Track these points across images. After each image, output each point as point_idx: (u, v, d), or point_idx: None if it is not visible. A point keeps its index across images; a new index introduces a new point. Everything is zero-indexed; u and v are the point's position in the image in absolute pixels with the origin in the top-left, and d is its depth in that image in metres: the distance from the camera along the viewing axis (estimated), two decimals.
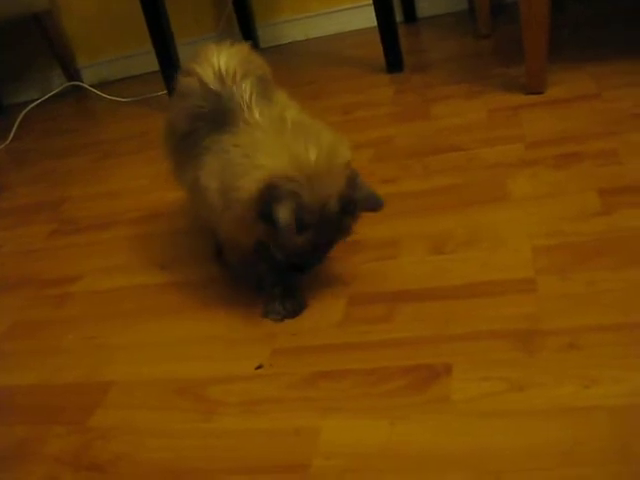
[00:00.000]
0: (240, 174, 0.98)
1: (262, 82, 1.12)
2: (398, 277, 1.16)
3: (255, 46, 2.87)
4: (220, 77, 1.10)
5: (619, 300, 0.98)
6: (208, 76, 1.10)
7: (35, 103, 2.84)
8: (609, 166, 1.33)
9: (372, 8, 2.22)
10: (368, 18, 2.83)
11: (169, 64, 2.38)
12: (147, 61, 3.06)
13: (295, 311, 1.12)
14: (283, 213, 0.94)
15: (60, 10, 3.18)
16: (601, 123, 1.52)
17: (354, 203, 1.01)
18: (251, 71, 1.12)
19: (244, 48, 1.17)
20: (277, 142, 1.00)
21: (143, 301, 1.28)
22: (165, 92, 2.46)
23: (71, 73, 3.21)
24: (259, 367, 1.02)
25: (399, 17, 2.92)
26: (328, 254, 1.07)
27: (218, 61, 1.12)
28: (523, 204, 1.27)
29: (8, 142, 2.60)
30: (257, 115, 1.06)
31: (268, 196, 0.95)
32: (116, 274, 1.39)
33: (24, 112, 2.77)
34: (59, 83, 3.24)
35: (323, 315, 1.10)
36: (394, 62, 2.26)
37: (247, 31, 3.05)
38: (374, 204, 1.03)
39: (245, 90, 1.08)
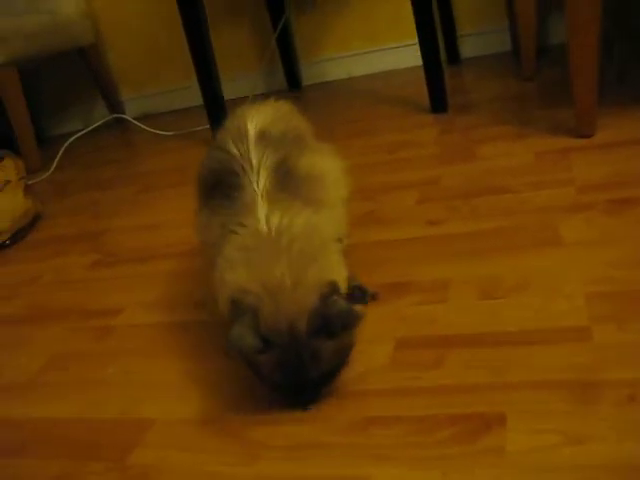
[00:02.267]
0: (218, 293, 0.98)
1: (294, 149, 1.10)
2: (447, 321, 1.13)
3: (297, 84, 2.91)
4: (240, 142, 1.09)
5: None
6: (233, 142, 1.10)
7: (78, 134, 2.87)
8: None
9: (415, 47, 2.23)
10: (412, 57, 2.84)
11: (213, 99, 2.39)
12: (189, 95, 3.10)
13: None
14: (236, 328, 0.89)
15: (105, 44, 3.22)
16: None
17: (328, 323, 0.91)
18: (279, 138, 1.11)
19: (284, 106, 1.18)
20: (253, 256, 0.96)
21: (184, 338, 1.26)
22: (207, 126, 2.46)
23: (114, 106, 3.25)
24: (306, 410, 0.98)
25: (443, 57, 2.92)
26: (322, 388, 0.99)
27: (251, 124, 1.11)
28: (575, 249, 1.24)
29: (50, 173, 2.62)
30: (261, 216, 1.01)
31: (233, 313, 0.91)
32: (157, 309, 1.38)
33: (67, 143, 2.79)
34: (102, 115, 3.28)
35: (370, 359, 1.07)
36: (439, 102, 2.25)
37: (290, 68, 3.07)
38: (350, 319, 0.92)
39: (260, 179, 1.05)
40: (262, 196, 1.03)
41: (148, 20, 3.16)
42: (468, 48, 2.96)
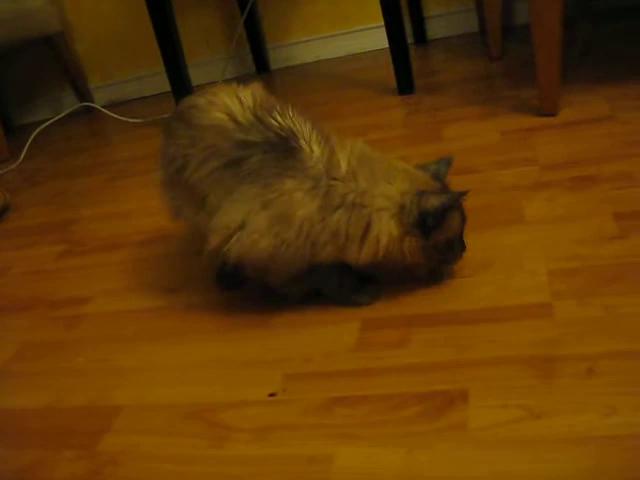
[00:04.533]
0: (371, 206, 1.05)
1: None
2: (412, 300, 1.15)
3: (266, 68, 2.91)
4: (259, 110, 1.10)
5: (636, 326, 0.96)
6: (246, 108, 1.10)
7: (47, 123, 2.85)
8: (625, 189, 1.32)
9: (382, 30, 2.23)
10: (378, 40, 2.84)
11: (180, 85, 2.39)
12: (158, 82, 3.08)
13: (375, 294, 1.16)
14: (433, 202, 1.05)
15: (72, 32, 3.20)
16: (615, 146, 1.51)
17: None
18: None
19: (259, 86, 1.19)
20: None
21: (153, 324, 1.27)
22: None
23: (83, 94, 3.23)
24: (272, 395, 1.00)
25: (409, 39, 2.93)
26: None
27: (244, 97, 1.13)
28: (539, 227, 1.26)
29: (19, 162, 2.60)
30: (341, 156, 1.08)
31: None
32: (126, 296, 1.38)
33: (35, 132, 2.77)
34: (70, 104, 3.26)
35: (336, 340, 1.09)
36: (405, 84, 2.26)
37: (258, 52, 3.07)
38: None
39: (306, 127, 1.09)
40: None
41: (116, 7, 3.14)
42: (435, 29, 2.97)
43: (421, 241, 1.07)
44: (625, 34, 2.31)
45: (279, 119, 1.08)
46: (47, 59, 3.19)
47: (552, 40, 1.73)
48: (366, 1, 2.93)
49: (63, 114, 2.96)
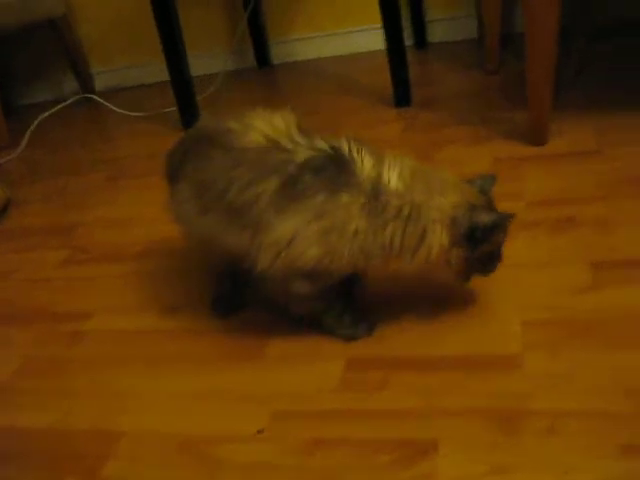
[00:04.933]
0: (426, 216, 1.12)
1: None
2: (394, 341, 1.23)
3: (267, 62, 2.95)
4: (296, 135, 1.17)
5: (601, 384, 1.05)
6: (283, 130, 1.18)
7: (47, 113, 2.89)
8: (603, 235, 1.39)
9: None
10: (380, 41, 2.88)
11: (179, 75, 2.43)
12: (158, 71, 3.11)
13: (371, 328, 1.24)
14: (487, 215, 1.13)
15: (76, 15, 3.23)
16: (598, 185, 1.59)
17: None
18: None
19: (289, 112, 1.23)
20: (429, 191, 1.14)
21: (152, 347, 1.34)
22: (175, 108, 2.51)
23: (84, 79, 3.27)
24: (260, 431, 1.08)
25: (409, 41, 2.97)
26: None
27: (277, 121, 1.19)
28: (518, 272, 1.32)
29: (21, 151, 2.65)
30: (391, 171, 1.14)
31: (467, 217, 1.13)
32: (128, 314, 1.46)
33: (37, 121, 2.82)
34: (71, 87, 3.30)
35: (322, 378, 1.17)
36: (402, 97, 2.32)
37: (260, 47, 3.12)
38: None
39: (353, 144, 1.16)
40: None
41: None
42: (436, 33, 3.02)
43: (466, 252, 1.14)
44: (621, 53, 2.37)
45: (325, 139, 1.16)
46: (50, 42, 3.23)
47: (545, 76, 1.78)
48: (369, 1, 2.97)
49: (64, 104, 2.99)
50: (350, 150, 1.14)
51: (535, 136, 1.87)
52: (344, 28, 3.09)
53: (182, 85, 2.45)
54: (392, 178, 1.12)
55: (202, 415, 1.15)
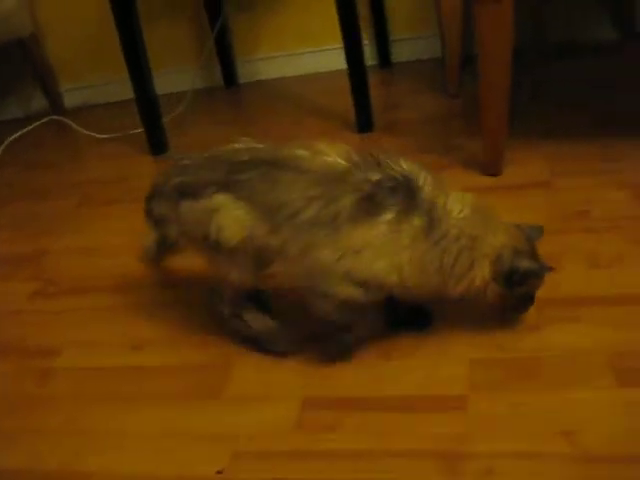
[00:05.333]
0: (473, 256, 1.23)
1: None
2: (348, 381, 1.30)
3: (234, 81, 2.99)
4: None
5: (538, 425, 1.12)
6: (350, 155, 1.26)
7: (18, 134, 2.91)
8: (553, 273, 1.45)
9: None
10: (344, 60, 2.92)
11: (144, 94, 2.49)
12: (126, 89, 3.13)
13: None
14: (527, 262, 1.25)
15: (44, 34, 3.26)
16: (548, 218, 1.65)
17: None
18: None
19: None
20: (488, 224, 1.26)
21: (118, 386, 1.40)
22: (141, 130, 2.55)
23: (53, 96, 3.30)
24: (220, 472, 1.15)
25: (374, 60, 3.04)
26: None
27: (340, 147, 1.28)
28: (467, 310, 1.38)
29: None
30: (452, 204, 1.24)
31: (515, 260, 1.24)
32: (95, 350, 1.52)
33: (7, 142, 2.84)
34: (40, 105, 3.33)
35: (279, 418, 1.24)
36: (364, 122, 2.38)
37: (227, 66, 3.16)
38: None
39: (421, 171, 1.25)
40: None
41: (87, 10, 3.20)
42: (400, 52, 3.07)
43: (502, 290, 1.25)
44: (575, 76, 2.46)
45: (395, 163, 1.24)
46: (18, 61, 3.25)
47: (499, 105, 1.85)
48: (333, 19, 3.02)
49: (34, 125, 3.01)
50: (419, 176, 1.23)
51: (490, 166, 1.94)
52: (308, 47, 3.14)
53: (147, 105, 2.50)
54: (454, 209, 1.23)
55: (166, 455, 1.21)
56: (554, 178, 1.87)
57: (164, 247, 1.49)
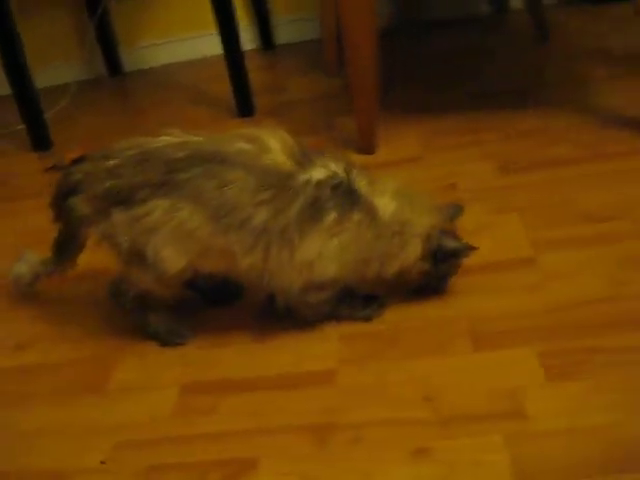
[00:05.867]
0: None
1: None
2: (225, 364, 1.35)
3: (119, 71, 2.98)
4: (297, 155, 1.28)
5: (401, 392, 1.20)
6: (294, 150, 1.28)
7: None
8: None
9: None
10: None
11: (22, 89, 2.45)
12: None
13: (382, 304, 1.41)
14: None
15: None
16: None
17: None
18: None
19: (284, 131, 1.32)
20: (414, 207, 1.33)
21: (3, 386, 1.42)
22: (23, 126, 2.51)
23: None
24: (103, 462, 1.18)
25: (256, 44, 3.07)
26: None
27: (286, 139, 1.30)
28: None
29: None
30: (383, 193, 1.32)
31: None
32: None
33: None
34: None
35: (157, 406, 1.28)
36: (244, 106, 2.43)
37: (110, 55, 3.14)
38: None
39: (352, 167, 1.31)
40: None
41: None
42: (283, 34, 3.12)
43: (427, 267, 1.33)
44: (448, 51, 2.55)
45: (331, 161, 1.29)
46: None
47: (368, 83, 1.92)
48: None
49: None
50: (349, 171, 1.28)
51: (364, 145, 2.01)
52: (192, 33, 3.16)
53: (27, 100, 2.46)
54: (384, 198, 1.30)
55: (50, 450, 1.24)
56: (425, 153, 1.96)
57: (48, 267, 1.50)
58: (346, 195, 1.27)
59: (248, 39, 3.04)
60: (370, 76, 1.88)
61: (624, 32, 2.45)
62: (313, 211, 1.25)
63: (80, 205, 1.33)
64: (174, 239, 1.26)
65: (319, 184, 1.26)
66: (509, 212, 1.63)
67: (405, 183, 1.37)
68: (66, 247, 1.45)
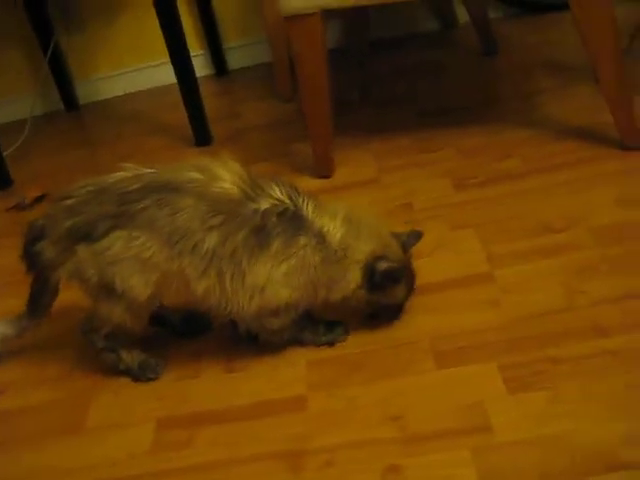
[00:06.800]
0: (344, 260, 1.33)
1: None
2: (200, 397, 1.38)
3: (74, 104, 2.98)
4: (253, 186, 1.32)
5: (369, 414, 1.24)
6: (244, 179, 1.32)
7: None
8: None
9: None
10: None
11: None
12: None
13: (346, 330, 1.43)
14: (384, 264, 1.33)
15: None
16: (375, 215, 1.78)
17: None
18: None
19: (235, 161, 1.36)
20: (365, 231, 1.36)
21: None
22: None
23: None
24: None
25: (210, 70, 3.10)
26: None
27: (234, 169, 1.34)
28: None
29: None
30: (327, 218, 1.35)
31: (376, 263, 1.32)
32: None
33: None
34: None
35: (135, 443, 1.31)
36: (201, 136, 2.45)
37: (65, 89, 3.14)
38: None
39: (299, 194, 1.35)
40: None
41: None
42: (235, 60, 3.15)
43: (367, 295, 1.35)
44: (401, 69, 2.63)
45: (278, 188, 1.33)
46: None
47: (321, 109, 1.96)
48: None
49: None
50: (296, 198, 1.33)
51: (320, 168, 2.05)
52: (145, 62, 3.17)
53: None
54: (335, 222, 1.33)
55: None
56: (381, 175, 2.00)
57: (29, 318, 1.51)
58: (292, 221, 1.31)
59: (201, 66, 3.06)
60: (324, 104, 1.93)
61: (566, 41, 2.52)
62: (261, 238, 1.30)
63: (46, 249, 1.37)
64: (137, 267, 1.31)
65: (265, 212, 1.30)
66: (465, 228, 1.68)
67: (357, 207, 1.40)
68: (40, 297, 1.47)
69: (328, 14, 1.84)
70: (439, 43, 2.84)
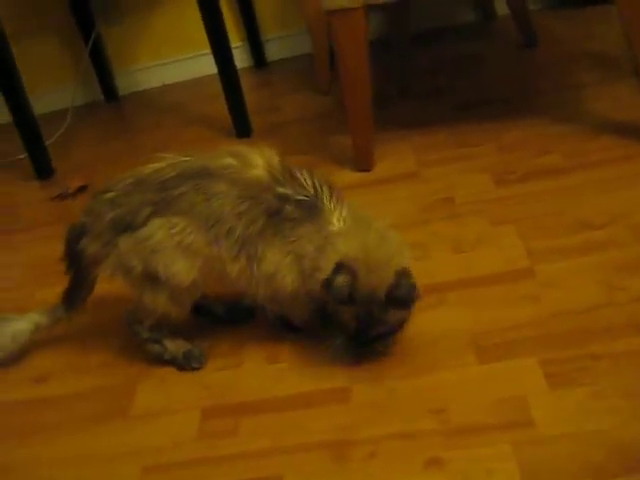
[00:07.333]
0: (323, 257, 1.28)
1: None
2: (243, 387, 1.41)
3: (114, 95, 3.02)
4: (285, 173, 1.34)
5: (411, 407, 1.26)
6: (277, 165, 1.35)
7: None
8: (421, 261, 1.59)
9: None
10: None
11: (22, 115, 2.48)
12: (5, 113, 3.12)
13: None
14: (341, 278, 1.23)
15: None
16: (416, 209, 1.80)
17: (399, 299, 1.26)
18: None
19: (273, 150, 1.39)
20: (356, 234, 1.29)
21: (28, 417, 1.47)
22: (25, 155, 2.56)
23: None
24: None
25: (249, 62, 3.12)
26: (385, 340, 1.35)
27: (270, 156, 1.37)
28: None
29: None
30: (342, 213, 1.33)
31: (335, 270, 1.24)
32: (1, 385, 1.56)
33: None
34: None
35: (181, 430, 1.34)
36: (242, 127, 2.47)
37: (105, 80, 3.18)
38: (403, 299, 1.28)
39: (325, 191, 1.34)
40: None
41: None
42: (274, 51, 3.16)
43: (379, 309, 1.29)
44: (440, 62, 2.63)
45: (308, 178, 1.34)
46: None
47: (362, 102, 1.97)
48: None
49: None
50: (321, 190, 1.33)
51: (360, 162, 2.06)
52: (185, 54, 3.20)
53: (27, 128, 2.49)
54: (336, 219, 1.32)
55: (81, 478, 1.29)
56: (421, 168, 2.01)
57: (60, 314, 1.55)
58: (307, 209, 1.32)
59: (240, 57, 3.08)
60: (365, 98, 1.94)
61: (607, 35, 2.51)
62: (275, 223, 1.32)
63: (89, 245, 1.41)
64: (180, 254, 1.35)
65: (284, 197, 1.32)
66: (505, 224, 1.68)
67: (383, 225, 1.37)
68: (77, 291, 1.51)
69: (370, 7, 1.84)
70: (478, 35, 2.83)
